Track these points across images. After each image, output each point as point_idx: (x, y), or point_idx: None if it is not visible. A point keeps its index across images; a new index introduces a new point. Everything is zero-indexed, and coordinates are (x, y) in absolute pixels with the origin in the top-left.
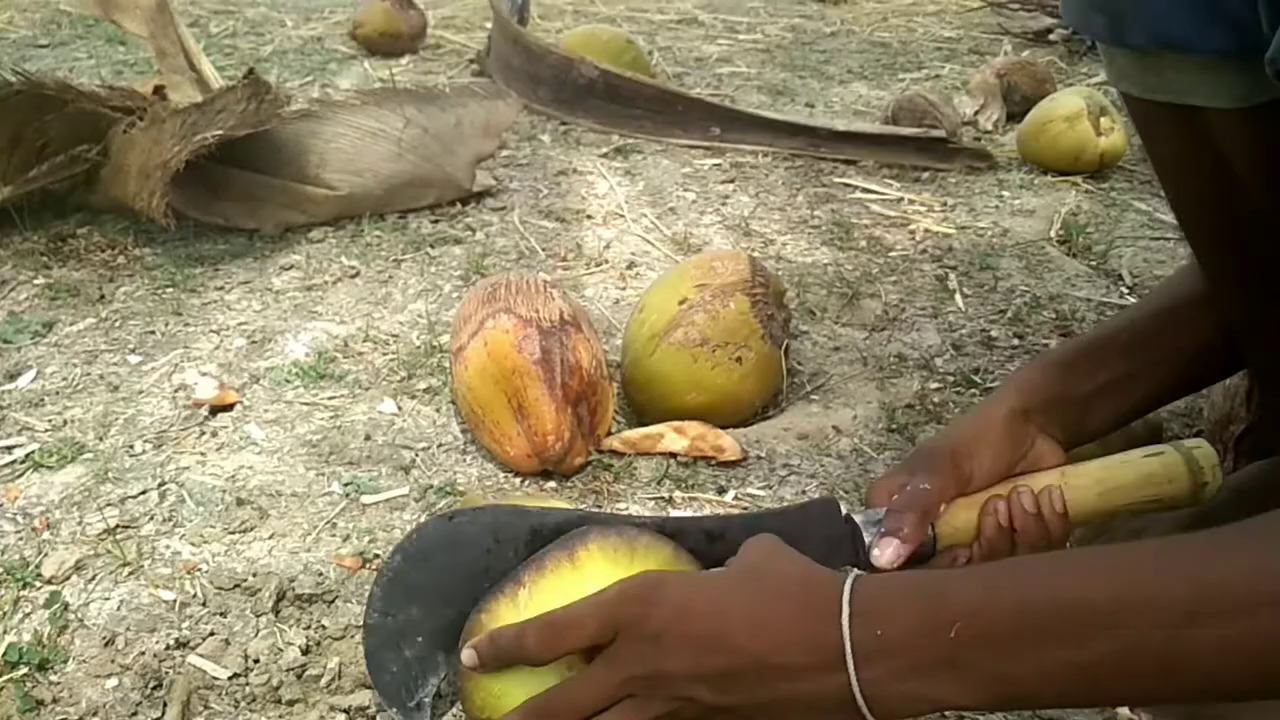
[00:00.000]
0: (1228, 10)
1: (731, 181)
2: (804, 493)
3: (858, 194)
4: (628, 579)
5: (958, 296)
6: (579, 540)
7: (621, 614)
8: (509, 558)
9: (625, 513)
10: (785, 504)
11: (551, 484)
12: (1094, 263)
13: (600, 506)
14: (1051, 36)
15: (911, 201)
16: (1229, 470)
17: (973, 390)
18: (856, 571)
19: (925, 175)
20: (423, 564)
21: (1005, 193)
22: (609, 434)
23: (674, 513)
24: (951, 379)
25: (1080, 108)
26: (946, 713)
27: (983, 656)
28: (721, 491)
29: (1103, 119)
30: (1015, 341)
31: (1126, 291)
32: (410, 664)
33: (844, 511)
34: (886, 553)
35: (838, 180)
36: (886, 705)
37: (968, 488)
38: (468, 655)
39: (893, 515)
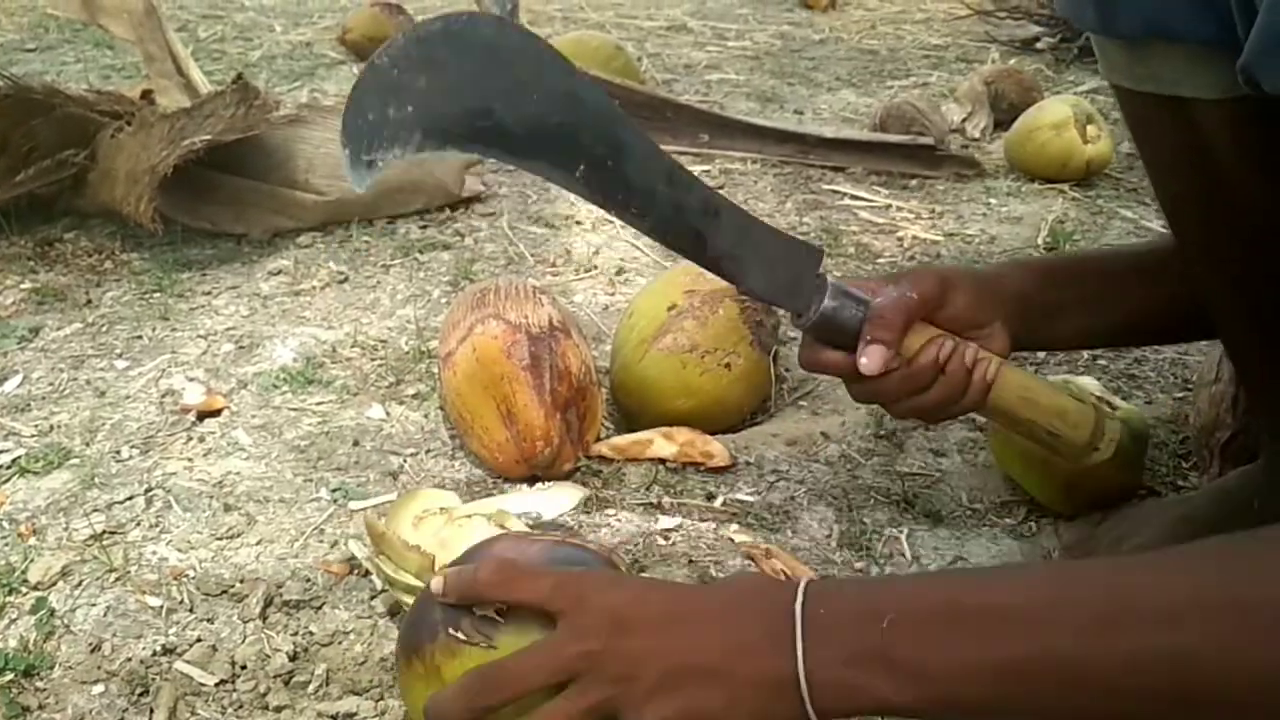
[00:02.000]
0: (1216, 1)
1: (721, 188)
2: (792, 498)
3: (846, 201)
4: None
5: None
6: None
7: (586, 587)
8: (532, 99)
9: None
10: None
11: (543, 486)
12: None
13: (588, 513)
14: (1039, 45)
15: (899, 208)
16: (1214, 475)
17: None
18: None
19: (913, 182)
20: (458, 46)
21: (992, 200)
22: (598, 440)
23: (662, 519)
24: None
25: (1067, 116)
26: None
27: (909, 649)
28: (710, 498)
29: (1089, 127)
30: None
31: None
32: (387, 123)
33: (822, 268)
34: (874, 360)
35: (826, 187)
36: (825, 694)
37: (936, 315)
38: (435, 582)
39: (878, 322)
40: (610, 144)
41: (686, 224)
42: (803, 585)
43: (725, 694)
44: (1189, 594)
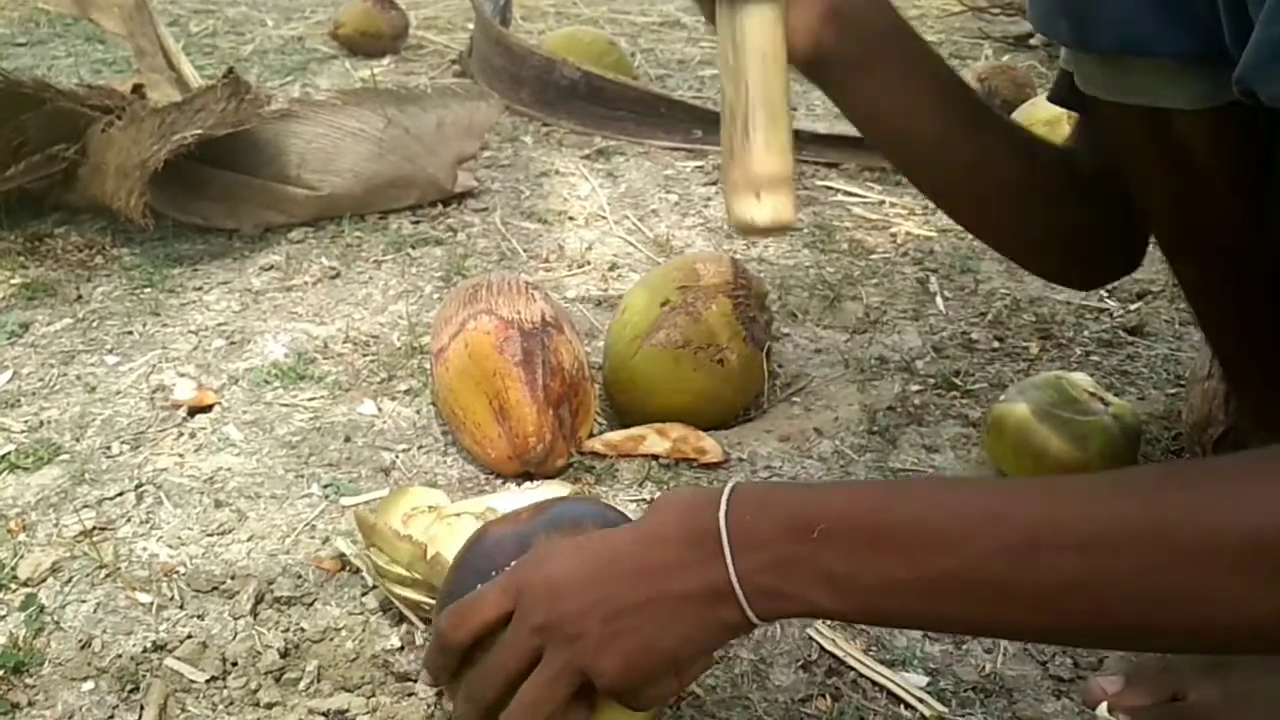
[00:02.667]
0: (1192, 12)
1: (713, 184)
2: None
3: (839, 197)
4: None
5: (939, 299)
6: None
7: (525, 571)
8: None
9: None
10: None
11: (532, 486)
12: None
13: None
14: (1032, 41)
15: (893, 204)
16: None
17: (954, 392)
18: (735, 481)
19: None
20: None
21: None
22: (590, 436)
23: None
24: (932, 381)
25: (1060, 112)
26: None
27: (841, 560)
28: None
29: None
30: (996, 344)
31: (1105, 294)
32: None
33: None
34: None
35: (819, 183)
36: (760, 599)
37: None
38: (424, 678)
39: None
40: None
41: None
42: (726, 494)
43: (665, 617)
44: (1121, 517)
